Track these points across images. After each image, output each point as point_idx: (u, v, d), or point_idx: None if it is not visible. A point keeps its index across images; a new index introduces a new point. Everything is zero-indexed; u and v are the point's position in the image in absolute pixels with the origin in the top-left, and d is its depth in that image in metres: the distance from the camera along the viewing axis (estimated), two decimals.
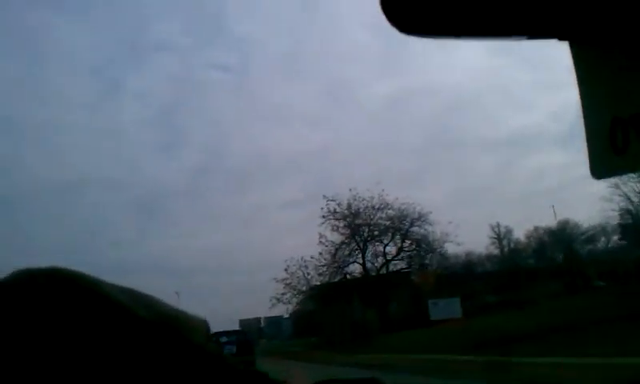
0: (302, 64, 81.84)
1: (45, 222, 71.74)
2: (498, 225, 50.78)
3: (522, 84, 71.07)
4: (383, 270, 44.53)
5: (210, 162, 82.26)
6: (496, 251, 51.68)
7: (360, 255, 44.25)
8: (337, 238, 43.22)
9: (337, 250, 43.27)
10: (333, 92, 79.08)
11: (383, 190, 42.85)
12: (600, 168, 0.84)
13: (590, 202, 64.59)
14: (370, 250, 44.49)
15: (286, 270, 42.55)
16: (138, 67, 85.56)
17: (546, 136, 68.25)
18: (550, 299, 35.25)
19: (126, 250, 78.92)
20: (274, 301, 43.04)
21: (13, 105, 73.37)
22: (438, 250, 43.16)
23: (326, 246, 42.95)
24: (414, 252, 44.28)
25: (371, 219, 43.55)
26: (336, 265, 43.59)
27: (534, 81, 64.94)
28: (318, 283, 43.48)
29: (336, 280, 43.80)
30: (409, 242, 44.13)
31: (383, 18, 0.75)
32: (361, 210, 43.20)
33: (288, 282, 42.66)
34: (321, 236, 42.67)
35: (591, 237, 49.93)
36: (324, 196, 42.54)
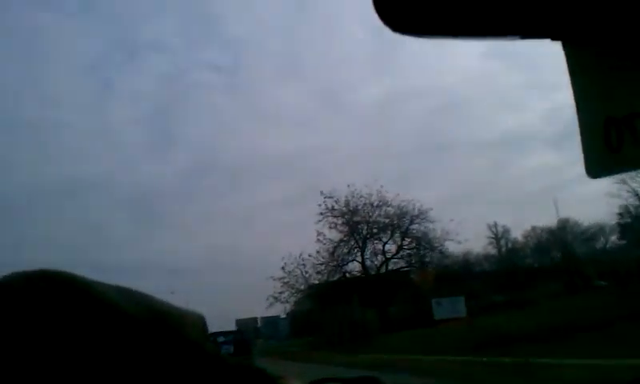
0: (295, 64, 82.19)
1: (40, 223, 71.84)
2: (496, 224, 50.90)
3: (516, 85, 71.45)
4: (383, 269, 44.25)
5: (205, 161, 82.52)
6: (493, 251, 51.73)
7: (359, 253, 43.99)
8: (335, 235, 42.99)
9: (335, 248, 43.00)
10: (329, 93, 79.59)
11: (382, 187, 42.76)
12: (595, 167, 0.85)
13: (588, 201, 64.73)
14: (370, 248, 44.22)
15: (283, 268, 42.25)
16: (132, 68, 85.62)
17: (541, 136, 68.66)
18: (550, 299, 35.27)
19: (121, 251, 79.03)
20: (272, 300, 42.80)
21: (5, 105, 73.48)
22: (439, 248, 42.91)
23: (324, 244, 42.70)
24: (414, 250, 44.05)
25: (370, 216, 43.30)
26: (335, 263, 43.32)
27: (528, 82, 65.35)
28: (317, 282, 43.23)
29: (335, 279, 43.51)
30: (409, 239, 43.91)
31: (376, 18, 0.75)
32: (359, 208, 42.95)
33: (286, 280, 42.40)
34: (319, 234, 42.44)
35: (591, 236, 50.02)
36: (321, 192, 42.34)
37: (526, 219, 67.84)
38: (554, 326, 18.74)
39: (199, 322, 0.69)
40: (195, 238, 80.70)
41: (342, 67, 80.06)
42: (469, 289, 36.67)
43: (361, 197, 42.62)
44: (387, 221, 43.45)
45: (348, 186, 42.80)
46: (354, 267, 44.69)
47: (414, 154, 69.72)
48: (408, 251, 44.34)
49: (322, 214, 42.33)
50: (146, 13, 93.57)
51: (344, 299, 40.12)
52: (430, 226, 42.41)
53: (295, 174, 75.70)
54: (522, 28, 0.81)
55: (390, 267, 44.57)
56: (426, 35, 0.80)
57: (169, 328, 0.62)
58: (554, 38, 0.84)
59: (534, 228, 51.91)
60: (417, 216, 42.77)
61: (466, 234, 42.40)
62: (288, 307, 45.87)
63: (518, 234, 54.48)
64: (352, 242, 43.53)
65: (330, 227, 42.66)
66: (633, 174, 29.62)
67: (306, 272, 42.78)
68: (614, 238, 49.23)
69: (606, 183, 35.53)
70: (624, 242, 46.69)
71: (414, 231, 43.40)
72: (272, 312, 57.85)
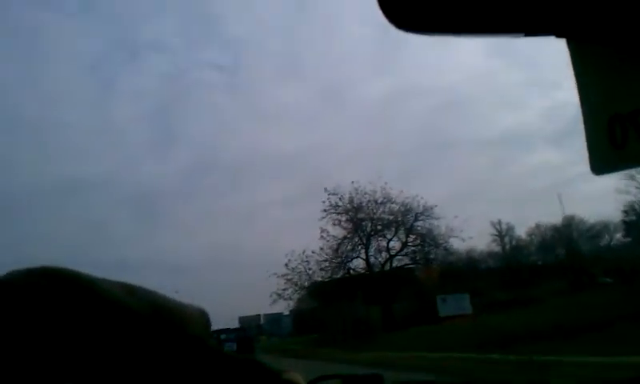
0: (296, 63, 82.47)
1: (42, 221, 72.28)
2: (500, 222, 50.79)
3: (517, 83, 71.39)
4: (387, 266, 44.05)
5: (209, 159, 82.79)
6: (497, 249, 51.65)
7: (363, 250, 43.80)
8: (339, 232, 42.80)
9: (339, 244, 42.81)
10: (330, 91, 79.72)
11: (386, 183, 42.63)
12: (599, 164, 0.86)
13: (594, 198, 64.65)
14: (374, 245, 44.00)
15: (286, 265, 42.03)
16: (133, 67, 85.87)
17: (542, 134, 68.60)
18: (555, 297, 35.24)
19: (125, 249, 79.54)
20: (275, 296, 42.44)
21: (7, 104, 73.79)
22: (443, 244, 42.59)
23: (328, 241, 42.52)
24: (419, 247, 43.77)
25: (374, 213, 43.11)
26: (339, 260, 43.12)
27: (529, 79, 65.26)
28: (320, 279, 43.06)
29: (339, 275, 43.39)
30: (413, 236, 43.61)
31: (379, 15, 0.75)
32: (363, 204, 42.77)
33: (289, 277, 42.15)
34: (322, 230, 42.24)
35: (597, 233, 49.93)
36: (325, 189, 42.25)
37: (529, 217, 68.16)
38: (560, 324, 18.71)
39: (202, 317, 0.71)
40: (198, 236, 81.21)
41: (344, 66, 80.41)
42: (473, 286, 36.68)
43: (365, 193, 42.50)
44: (391, 218, 43.23)
45: (352, 182, 42.65)
46: (358, 264, 44.55)
47: (416, 152, 69.93)
48: (412, 248, 44.11)
49: (325, 210, 42.25)
50: (146, 12, 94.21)
51: (348, 296, 40.02)
52: (435, 222, 42.23)
53: (297, 172, 75.99)
54: (527, 25, 0.82)
55: (394, 264, 44.40)
56: (431, 32, 0.81)
57: (171, 323, 0.63)
58: (558, 35, 0.84)
59: (538, 225, 51.90)
60: (421, 213, 42.56)
61: (469, 232, 42.08)
62: (291, 304, 45.82)
63: (521, 231, 54.39)
64: (356, 239, 43.39)
65: (334, 224, 42.59)
66: None
67: (310, 269, 42.59)
68: (618, 235, 49.14)
69: (612, 180, 35.40)
70: (629, 239, 46.55)
71: (419, 228, 43.22)
72: (275, 309, 58.04)
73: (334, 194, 42.09)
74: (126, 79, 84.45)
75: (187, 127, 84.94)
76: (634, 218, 42.83)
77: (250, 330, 42.81)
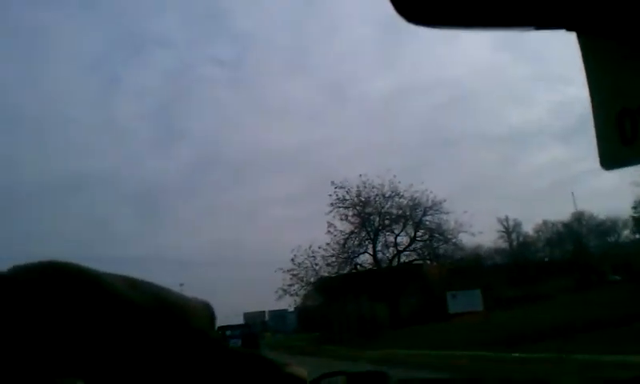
0: (300, 58, 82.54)
1: (46, 218, 72.88)
2: (507, 218, 50.66)
3: (524, 78, 71.22)
4: (395, 262, 43.76)
5: (215, 155, 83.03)
6: (504, 245, 51.52)
7: (370, 245, 43.48)
8: (346, 227, 42.50)
9: (346, 239, 42.51)
10: (335, 87, 79.74)
11: (395, 176, 42.52)
12: (609, 159, 0.86)
13: (605, 193, 64.38)
14: (381, 240, 43.71)
15: (292, 260, 41.79)
16: (138, 63, 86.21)
17: (550, 130, 68.42)
18: (564, 294, 35.10)
19: (129, 245, 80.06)
20: (281, 292, 42.33)
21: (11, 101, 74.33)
22: (453, 240, 42.22)
23: (335, 236, 42.22)
24: (427, 242, 43.53)
25: (382, 207, 42.76)
26: (345, 255, 42.82)
27: (539, 74, 64.97)
28: (327, 274, 42.83)
29: (345, 271, 43.08)
30: (422, 231, 43.33)
31: (387, 10, 0.76)
32: (371, 198, 42.44)
33: (295, 272, 41.89)
34: (329, 225, 41.98)
35: (607, 229, 49.73)
36: (332, 183, 41.88)
37: (536, 213, 67.70)
38: (573, 322, 18.54)
39: (205, 310, 0.70)
40: (202, 232, 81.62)
41: (349, 61, 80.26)
42: (480, 282, 36.58)
43: (373, 187, 42.17)
44: (399, 212, 42.95)
45: (360, 175, 42.25)
46: (366, 259, 44.24)
47: (421, 148, 69.77)
48: (421, 243, 43.88)
49: (332, 204, 41.94)
50: (152, 7, 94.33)
51: (354, 292, 39.86)
52: (444, 217, 41.86)
53: (302, 168, 76.10)
54: (537, 18, 0.82)
55: (401, 260, 44.11)
56: (441, 25, 0.81)
57: (175, 316, 0.63)
58: (569, 29, 0.84)
59: (545, 222, 51.75)
60: (430, 207, 42.25)
61: (475, 228, 41.52)
62: (297, 300, 45.35)
63: (529, 228, 54.20)
64: (363, 234, 43.10)
65: (341, 219, 42.30)
66: None
67: (316, 264, 42.31)
68: (627, 232, 48.93)
69: (624, 174, 35.18)
70: (638, 236, 46.35)
71: (427, 223, 42.93)
72: (280, 306, 58.19)
73: (341, 188, 41.76)
74: (131, 75, 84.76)
75: (191, 122, 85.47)
76: None
77: (255, 326, 42.79)
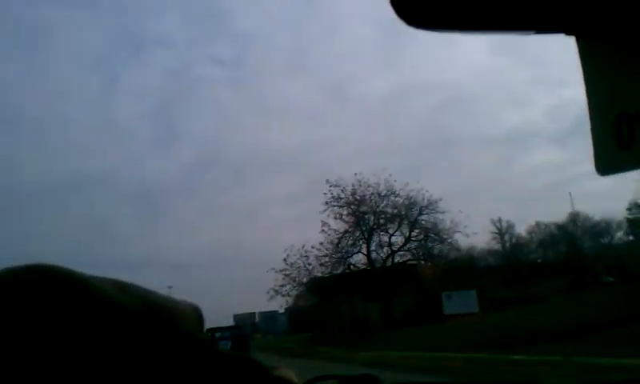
0: (300, 59, 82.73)
1: (46, 218, 72.73)
2: (500, 220, 50.90)
3: (523, 81, 71.69)
4: (389, 262, 43.55)
5: (208, 156, 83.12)
6: (497, 246, 51.76)
7: (364, 245, 43.29)
8: (340, 226, 42.25)
9: (340, 239, 42.26)
10: (334, 87, 79.97)
11: (390, 175, 42.16)
12: (605, 164, 0.87)
13: (600, 195, 64.84)
14: (375, 239, 43.53)
15: (285, 260, 41.48)
16: (137, 63, 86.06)
17: (545, 133, 68.94)
18: (557, 295, 35.27)
19: (123, 245, 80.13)
20: (272, 292, 41.98)
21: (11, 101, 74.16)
22: (448, 240, 42.14)
23: (329, 235, 41.94)
24: (422, 242, 43.45)
25: (377, 206, 42.59)
26: (339, 255, 42.57)
27: (536, 77, 65.44)
28: (320, 274, 42.52)
29: (339, 271, 42.85)
30: (417, 231, 43.17)
31: (386, 12, 0.77)
32: (366, 197, 42.25)
33: (287, 272, 41.55)
34: (323, 224, 41.70)
35: (602, 230, 50.11)
36: (327, 181, 41.63)
37: (528, 215, 68.22)
38: (568, 323, 18.63)
39: (194, 313, 0.72)
40: (195, 233, 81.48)
41: (348, 62, 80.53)
42: (474, 284, 36.65)
43: (368, 186, 41.97)
44: (395, 211, 42.80)
45: (355, 174, 42.02)
46: (359, 259, 44.05)
47: (418, 150, 70.04)
48: (415, 243, 43.80)
49: (327, 203, 41.71)
50: (152, 7, 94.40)
51: (347, 293, 39.68)
52: (440, 216, 41.74)
53: (299, 169, 76.26)
54: (537, 22, 0.83)
55: (395, 260, 43.93)
56: (441, 29, 0.82)
57: (163, 319, 0.64)
58: (567, 33, 0.85)
59: (538, 223, 52.07)
60: (426, 207, 42.17)
61: (470, 229, 41.47)
62: (289, 300, 44.97)
63: (521, 229, 54.54)
64: (357, 233, 42.92)
65: (335, 218, 42.07)
66: None
67: (309, 264, 42.01)
68: (620, 233, 49.30)
69: (617, 177, 35.32)
70: (632, 237, 46.66)
71: (423, 222, 42.81)
72: (270, 307, 58.13)
73: (335, 186, 41.57)
74: (131, 75, 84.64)
75: (191, 122, 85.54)
76: (638, 215, 42.88)
77: (245, 328, 42.59)
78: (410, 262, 44.65)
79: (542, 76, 63.65)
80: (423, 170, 70.45)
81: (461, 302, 31.71)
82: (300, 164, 74.22)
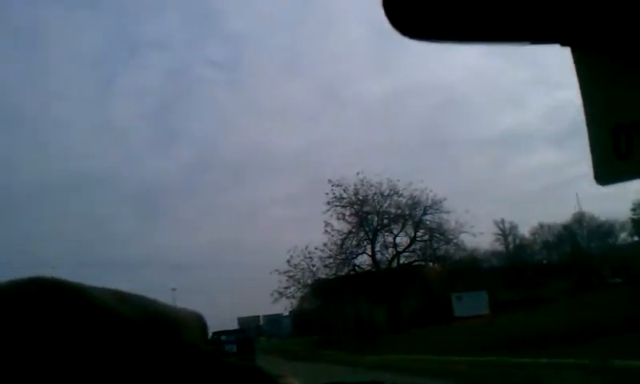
0: (297, 60, 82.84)
1: (46, 218, 73.11)
2: (503, 221, 50.66)
3: (519, 82, 71.71)
4: (394, 263, 43.14)
5: (208, 157, 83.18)
6: (500, 248, 51.52)
7: (369, 246, 42.77)
8: (343, 226, 41.84)
9: (344, 240, 41.80)
10: (330, 88, 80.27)
11: (393, 174, 42.73)
12: (604, 174, 0.88)
13: (604, 195, 64.68)
14: (380, 240, 43.02)
15: (288, 261, 40.91)
16: (134, 63, 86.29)
17: (541, 134, 68.80)
18: (565, 297, 35.03)
19: (124, 246, 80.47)
20: (276, 295, 41.49)
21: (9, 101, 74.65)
22: (454, 240, 41.58)
23: (332, 236, 41.48)
24: (427, 242, 42.93)
25: (380, 206, 42.13)
26: (343, 256, 42.07)
27: (532, 78, 65.42)
28: (324, 276, 42.05)
29: (343, 272, 42.38)
30: (422, 231, 42.64)
31: (385, 19, 0.78)
32: (369, 197, 41.80)
33: (291, 274, 40.99)
34: (326, 224, 41.22)
35: (607, 231, 49.86)
36: (329, 180, 41.04)
37: (530, 217, 67.96)
38: (586, 325, 18.31)
39: (197, 322, 0.71)
40: (198, 234, 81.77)
41: (344, 63, 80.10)
42: (479, 285, 36.49)
43: (371, 185, 41.47)
44: (399, 211, 42.30)
45: (357, 173, 41.41)
46: (364, 260, 43.57)
47: (416, 151, 69.88)
48: (420, 244, 43.28)
49: (329, 203, 41.22)
50: (151, 9, 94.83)
51: (352, 295, 39.38)
52: (445, 216, 41.20)
53: (299, 170, 76.23)
54: (532, 33, 0.84)
55: (401, 261, 43.53)
56: (436, 40, 0.83)
57: (165, 330, 0.64)
58: (563, 44, 0.87)
59: (541, 225, 51.84)
60: (430, 206, 41.68)
61: (475, 229, 41.09)
62: (294, 303, 44.50)
63: (525, 230, 54.31)
64: (361, 234, 42.43)
65: (338, 218, 41.61)
66: None
67: (313, 265, 41.47)
68: (624, 234, 49.04)
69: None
70: (637, 238, 46.44)
71: (428, 222, 42.34)
72: (274, 310, 57.94)
73: (338, 186, 41.02)
74: (130, 75, 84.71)
75: (189, 123, 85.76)
76: None
77: (250, 331, 42.35)
78: (415, 263, 44.24)
79: (538, 77, 63.62)
80: (421, 172, 70.70)
81: (471, 304, 31.26)
82: (300, 166, 74.27)
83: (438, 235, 42.15)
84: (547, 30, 0.84)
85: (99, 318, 0.58)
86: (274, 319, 78.70)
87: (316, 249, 41.09)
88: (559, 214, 66.38)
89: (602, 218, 49.13)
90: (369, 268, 43.35)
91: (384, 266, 42.90)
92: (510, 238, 52.28)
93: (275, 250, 76.87)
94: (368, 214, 42.15)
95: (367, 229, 42.37)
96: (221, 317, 47.94)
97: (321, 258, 41.39)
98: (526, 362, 14.53)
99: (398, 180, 41.42)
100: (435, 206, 41.41)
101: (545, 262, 51.52)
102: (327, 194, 41.05)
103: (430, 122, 69.22)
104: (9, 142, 70.93)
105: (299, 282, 41.61)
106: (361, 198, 41.69)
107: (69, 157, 79.68)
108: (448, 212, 40.82)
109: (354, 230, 42.11)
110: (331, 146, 74.67)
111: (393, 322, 39.54)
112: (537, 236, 52.97)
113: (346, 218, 41.77)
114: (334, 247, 41.62)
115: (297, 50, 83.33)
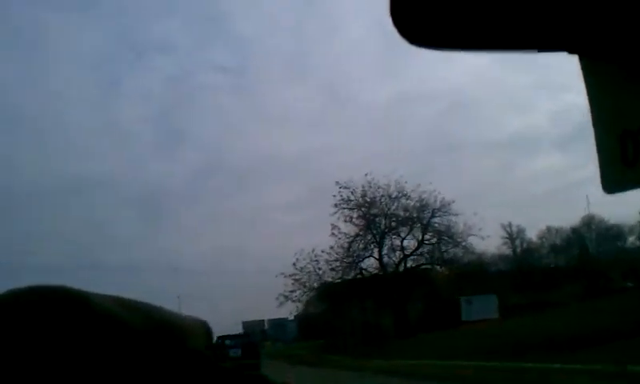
0: (303, 66, 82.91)
1: (47, 221, 73.39)
2: (510, 224, 50.41)
3: (526, 86, 71.64)
4: (401, 266, 42.92)
5: (213, 163, 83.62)
6: (507, 251, 51.26)
7: (376, 249, 42.52)
8: (350, 229, 41.57)
9: (351, 242, 41.57)
10: (336, 94, 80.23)
11: (401, 176, 41.44)
12: (611, 181, 0.88)
13: (606, 200, 64.26)
14: (387, 243, 42.78)
15: (294, 264, 40.70)
16: (139, 67, 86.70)
17: (547, 138, 68.67)
18: (574, 300, 34.81)
19: (129, 250, 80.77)
20: (282, 298, 41.33)
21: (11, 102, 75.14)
22: (462, 243, 41.32)
23: (339, 239, 41.28)
24: (435, 245, 42.66)
25: (388, 209, 41.90)
26: (350, 259, 41.88)
27: (538, 82, 65.24)
28: (330, 279, 41.81)
29: (350, 276, 42.22)
30: (430, 234, 42.36)
31: (391, 26, 0.79)
32: (376, 199, 41.59)
33: (297, 277, 40.74)
34: (333, 227, 40.99)
35: (615, 235, 49.52)
36: (337, 182, 40.81)
37: (537, 220, 67.72)
38: (593, 330, 18.22)
39: (201, 328, 0.71)
40: (201, 239, 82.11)
41: (351, 68, 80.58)
42: (486, 289, 36.29)
43: (378, 188, 41.29)
44: (407, 214, 42.05)
45: (365, 175, 41.09)
46: (371, 264, 43.25)
47: (423, 156, 70.04)
48: (428, 247, 42.98)
49: (336, 205, 40.98)
50: (156, 12, 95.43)
51: (359, 298, 39.18)
52: (453, 219, 40.93)
53: (304, 175, 76.44)
54: (539, 41, 0.85)
55: (408, 264, 43.28)
56: (443, 48, 0.84)
57: (170, 337, 0.64)
58: (570, 51, 0.87)
59: (549, 228, 51.56)
60: (438, 209, 41.41)
61: (483, 232, 40.81)
62: (300, 306, 44.18)
63: (532, 234, 54.08)
64: (369, 237, 42.22)
65: (345, 220, 41.36)
66: None
67: (320, 269, 41.20)
68: (631, 238, 48.70)
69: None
70: None
71: (436, 225, 42.06)
72: (279, 314, 57.91)
73: (345, 188, 40.81)
74: (132, 79, 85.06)
75: (193, 128, 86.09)
76: None
77: (255, 335, 42.19)
78: (423, 267, 43.97)
79: (545, 80, 63.61)
80: (428, 176, 70.55)
81: (481, 308, 30.94)
82: (306, 171, 74.38)
83: (446, 238, 41.92)
84: (555, 38, 0.84)
85: (103, 326, 0.57)
86: (279, 323, 78.67)
87: (322, 252, 40.98)
88: (567, 217, 66.22)
89: (611, 222, 48.92)
90: (376, 271, 43.13)
91: (391, 270, 42.68)
92: (518, 242, 52.13)
93: (281, 255, 76.87)
94: (375, 216, 41.95)
95: (374, 231, 42.16)
96: (226, 321, 48.05)
97: (327, 261, 41.27)
98: (537, 368, 14.44)
99: (406, 182, 41.25)
100: (444, 208, 41.18)
101: (552, 265, 51.23)
102: (334, 196, 40.93)
103: (437, 125, 69.26)
104: (9, 142, 71.45)
105: (305, 286, 41.44)
106: (368, 200, 41.56)
107: (71, 159, 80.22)
108: (456, 214, 40.66)
109: (361, 233, 41.95)
110: (336, 152, 74.95)
111: (400, 326, 39.34)
112: (544, 239, 52.74)
113: (354, 220, 41.63)
114: (340, 250, 41.47)
115: (304, 55, 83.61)
